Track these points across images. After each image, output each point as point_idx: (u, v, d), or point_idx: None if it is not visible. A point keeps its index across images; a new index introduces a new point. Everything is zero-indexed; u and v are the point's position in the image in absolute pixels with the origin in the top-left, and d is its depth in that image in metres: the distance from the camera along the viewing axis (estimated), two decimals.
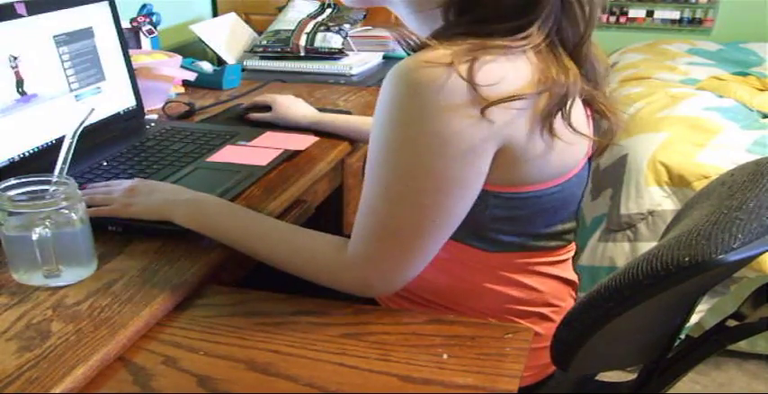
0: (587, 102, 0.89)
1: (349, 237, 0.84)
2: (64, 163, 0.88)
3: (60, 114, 1.18)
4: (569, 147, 0.84)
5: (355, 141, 1.35)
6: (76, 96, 1.21)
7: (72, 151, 0.88)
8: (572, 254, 0.98)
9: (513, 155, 0.79)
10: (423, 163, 0.75)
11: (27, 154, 1.11)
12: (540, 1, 0.77)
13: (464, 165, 0.76)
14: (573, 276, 0.98)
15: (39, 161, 1.10)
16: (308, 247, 0.86)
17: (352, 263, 0.81)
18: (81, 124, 0.89)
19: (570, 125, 0.81)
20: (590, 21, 0.81)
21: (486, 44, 0.76)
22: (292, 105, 1.38)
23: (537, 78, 0.77)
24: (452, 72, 0.72)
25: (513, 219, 0.85)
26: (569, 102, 0.79)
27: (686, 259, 0.69)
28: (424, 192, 0.77)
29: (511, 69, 0.76)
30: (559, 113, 0.79)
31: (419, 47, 0.80)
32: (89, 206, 0.91)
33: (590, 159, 0.94)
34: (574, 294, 0.99)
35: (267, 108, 1.39)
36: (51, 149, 1.14)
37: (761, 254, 0.73)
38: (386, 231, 0.79)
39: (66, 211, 0.81)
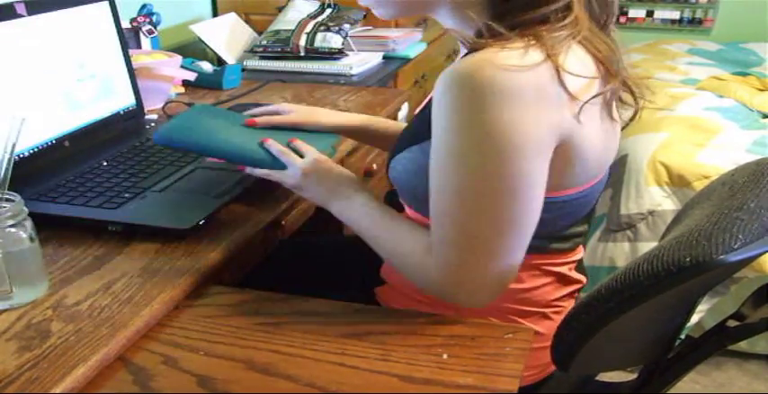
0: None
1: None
2: (5, 179, 0.81)
3: None
4: (607, 147, 0.84)
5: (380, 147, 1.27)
6: None
7: (12, 166, 0.81)
8: (580, 256, 0.98)
9: (570, 153, 0.79)
10: (494, 165, 0.74)
11: None
12: None
13: (534, 165, 0.76)
14: (578, 276, 0.97)
15: None
16: (406, 253, 0.85)
17: (435, 270, 0.80)
18: (18, 137, 0.82)
19: (621, 100, 0.82)
20: None
21: (545, 39, 0.75)
22: (314, 110, 1.22)
23: (596, 65, 0.79)
24: (533, 75, 0.73)
25: (539, 222, 0.84)
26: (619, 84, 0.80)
27: (687, 259, 0.69)
28: (497, 193, 0.76)
29: (577, 63, 0.77)
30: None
31: (474, 47, 0.78)
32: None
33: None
34: (577, 294, 0.99)
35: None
36: None
37: (762, 254, 0.73)
38: (463, 237, 0.78)
39: (14, 230, 0.78)
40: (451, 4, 0.84)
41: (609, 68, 0.80)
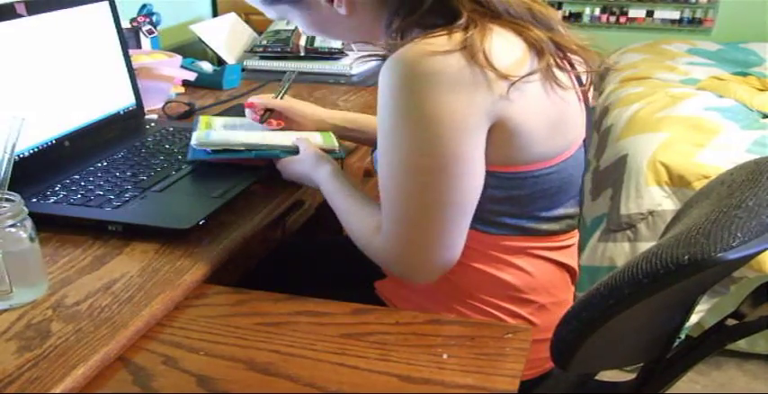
0: (559, 48, 0.89)
1: None
2: (5, 179, 0.81)
3: None
4: (563, 120, 0.87)
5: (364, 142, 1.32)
6: None
7: (11, 166, 0.81)
8: (574, 241, 0.98)
9: (508, 129, 0.81)
10: (424, 142, 0.79)
11: None
12: None
13: (464, 142, 0.79)
14: (573, 264, 0.98)
15: None
16: (362, 231, 0.91)
17: (381, 247, 0.87)
18: (17, 137, 0.82)
19: (562, 69, 0.86)
20: None
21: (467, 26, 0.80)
22: (308, 105, 1.29)
23: (524, 42, 0.83)
24: (463, 57, 0.77)
25: (512, 199, 0.87)
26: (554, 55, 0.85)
27: (686, 257, 0.69)
28: (431, 171, 0.80)
29: (505, 43, 0.81)
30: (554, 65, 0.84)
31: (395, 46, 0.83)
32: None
33: (584, 142, 0.95)
34: (572, 284, 1.00)
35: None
36: None
37: (760, 252, 0.73)
38: (400, 213, 0.83)
39: (14, 230, 0.78)
40: (358, 30, 0.96)
41: (537, 47, 0.84)
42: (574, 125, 0.90)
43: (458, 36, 0.79)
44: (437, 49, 0.77)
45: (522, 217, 0.90)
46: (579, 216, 0.98)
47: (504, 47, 0.81)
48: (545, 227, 0.92)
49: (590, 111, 0.96)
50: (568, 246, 0.97)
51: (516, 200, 0.88)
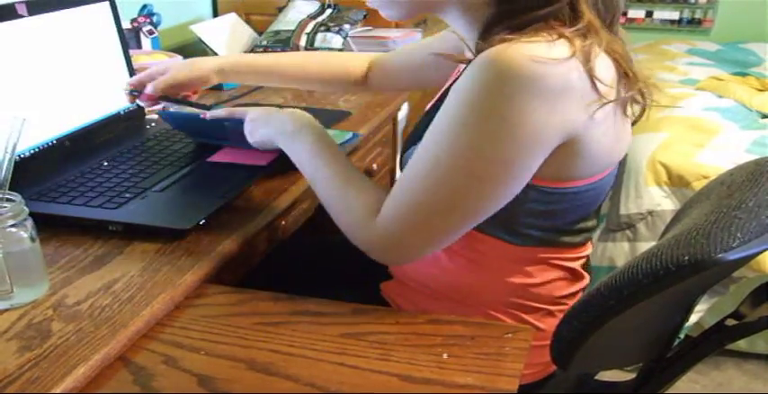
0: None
1: None
2: (6, 179, 0.80)
3: None
4: (618, 141, 0.85)
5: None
6: None
7: (12, 166, 0.80)
8: (589, 251, 0.98)
9: (577, 148, 0.79)
10: (489, 147, 0.76)
11: None
12: None
13: (529, 156, 0.77)
14: (583, 272, 0.98)
15: None
16: (348, 202, 0.88)
17: (375, 232, 0.84)
18: (18, 137, 0.82)
19: (634, 100, 0.83)
20: None
21: (568, 36, 0.76)
22: (192, 60, 1.20)
23: (615, 66, 0.80)
24: (575, 67, 0.74)
25: (546, 213, 0.85)
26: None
27: (685, 258, 0.69)
28: (475, 175, 0.77)
29: (603, 65, 0.78)
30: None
31: (481, 47, 0.79)
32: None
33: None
34: (582, 291, 0.99)
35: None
36: None
37: (760, 253, 0.73)
38: (418, 208, 0.80)
39: (15, 230, 0.78)
40: (459, 4, 0.85)
41: (627, 71, 0.81)
42: (621, 147, 0.88)
43: (577, 42, 0.75)
44: (545, 55, 0.73)
45: (548, 230, 0.88)
46: (596, 227, 0.97)
47: (601, 68, 0.78)
48: (566, 239, 0.91)
49: None
50: (584, 257, 0.97)
51: (551, 213, 0.86)
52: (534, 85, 0.73)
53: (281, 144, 0.98)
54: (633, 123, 0.91)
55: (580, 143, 0.79)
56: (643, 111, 0.88)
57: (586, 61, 0.75)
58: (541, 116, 0.74)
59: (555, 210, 0.85)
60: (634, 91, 0.81)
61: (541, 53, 0.73)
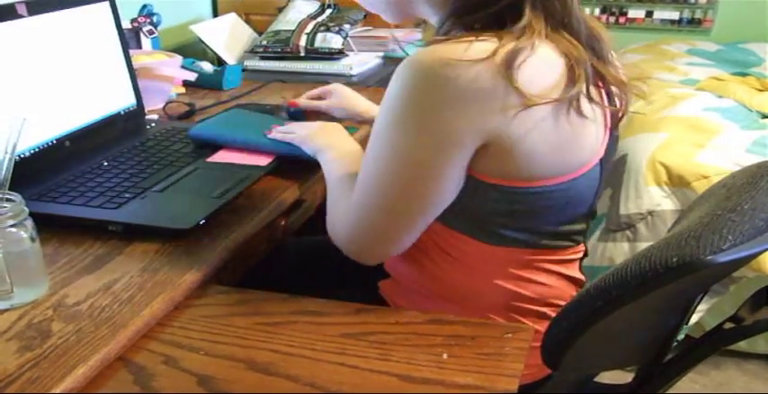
0: (600, 77, 0.86)
1: None
2: (6, 179, 0.80)
3: None
4: (573, 141, 0.83)
5: None
6: None
7: (12, 166, 0.80)
8: (580, 255, 0.98)
9: (504, 147, 0.79)
10: (399, 149, 0.80)
11: None
12: None
13: (440, 159, 0.79)
14: (579, 276, 0.98)
15: None
16: (337, 209, 0.93)
17: (340, 234, 0.90)
18: (18, 137, 0.82)
19: (591, 100, 0.82)
20: None
21: (504, 38, 0.77)
22: (354, 97, 1.29)
23: (565, 65, 0.79)
24: (490, 69, 0.74)
25: (515, 213, 0.86)
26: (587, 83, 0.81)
27: (674, 259, 0.69)
28: (396, 175, 0.81)
29: (542, 64, 0.78)
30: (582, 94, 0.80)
31: (431, 42, 0.80)
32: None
33: (602, 161, 0.90)
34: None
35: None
36: None
37: (752, 255, 0.72)
38: (362, 210, 0.86)
39: (15, 230, 0.78)
40: (426, 2, 0.88)
41: (575, 71, 0.80)
42: (589, 146, 0.85)
43: (507, 43, 0.76)
44: (461, 57, 0.74)
45: (524, 231, 0.88)
46: (587, 230, 0.97)
47: (539, 70, 0.78)
48: (549, 242, 0.90)
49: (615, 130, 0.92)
50: (573, 261, 0.96)
51: (520, 214, 0.86)
52: (443, 87, 0.75)
53: (315, 155, 1.08)
54: (616, 123, 0.90)
55: (509, 144, 0.78)
56: (622, 115, 0.89)
57: (510, 62, 0.75)
58: (450, 117, 0.76)
59: (523, 211, 0.85)
60: (576, 90, 0.79)
61: (457, 55, 0.74)
